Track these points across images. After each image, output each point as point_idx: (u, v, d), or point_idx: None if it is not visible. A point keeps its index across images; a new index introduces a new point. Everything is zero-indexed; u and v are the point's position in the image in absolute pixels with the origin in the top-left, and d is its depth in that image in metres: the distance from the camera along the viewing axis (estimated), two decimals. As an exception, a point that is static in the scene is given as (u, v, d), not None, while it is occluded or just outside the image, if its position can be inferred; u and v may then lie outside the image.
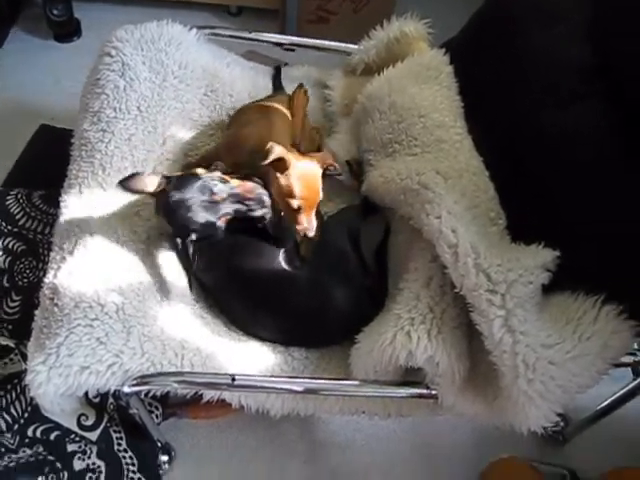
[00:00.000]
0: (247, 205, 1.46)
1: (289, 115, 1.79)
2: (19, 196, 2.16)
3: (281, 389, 1.52)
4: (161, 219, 1.51)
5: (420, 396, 1.50)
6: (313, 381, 1.53)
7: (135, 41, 1.91)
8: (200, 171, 1.47)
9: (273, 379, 1.53)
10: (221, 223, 1.45)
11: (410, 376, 1.49)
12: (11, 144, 2.46)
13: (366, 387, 1.51)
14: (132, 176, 1.47)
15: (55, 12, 2.77)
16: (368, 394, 1.55)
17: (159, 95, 1.88)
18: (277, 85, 2.06)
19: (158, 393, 1.51)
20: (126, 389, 1.42)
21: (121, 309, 1.49)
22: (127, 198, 1.69)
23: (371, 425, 2.06)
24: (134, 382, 1.42)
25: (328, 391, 1.54)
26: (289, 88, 2.00)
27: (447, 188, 1.50)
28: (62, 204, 1.67)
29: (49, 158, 1.78)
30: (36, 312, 1.52)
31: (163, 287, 1.60)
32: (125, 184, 1.45)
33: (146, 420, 1.69)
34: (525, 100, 1.59)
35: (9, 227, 2.08)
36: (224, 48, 2.11)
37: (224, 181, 1.45)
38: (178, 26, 1.98)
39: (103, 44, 1.93)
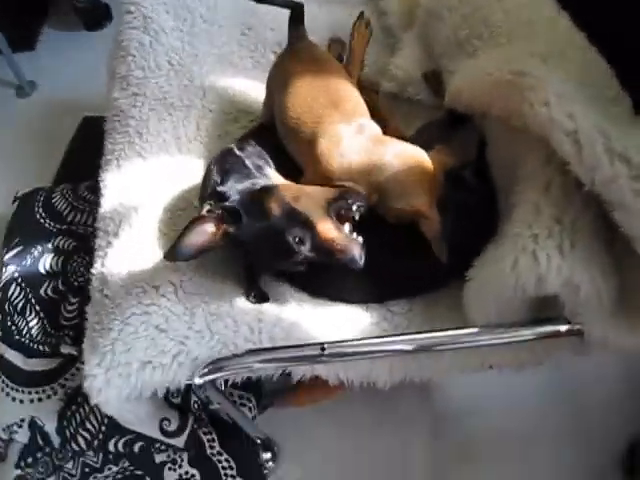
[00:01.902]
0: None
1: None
2: (65, 192, 2.00)
3: (384, 351, 1.22)
4: None
5: (559, 335, 1.18)
6: (421, 336, 1.22)
7: None
8: (275, 210, 1.19)
9: (372, 341, 1.23)
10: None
11: (544, 311, 1.18)
12: (59, 142, 2.38)
13: (489, 333, 1.20)
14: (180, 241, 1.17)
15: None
16: (491, 342, 1.22)
17: (190, 44, 1.69)
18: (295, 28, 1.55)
19: (238, 379, 1.25)
20: (197, 380, 1.19)
21: (180, 288, 1.28)
22: (172, 162, 1.46)
23: (501, 385, 1.75)
24: (205, 370, 1.19)
25: (442, 345, 1.22)
26: (341, 10, 1.72)
27: (548, 69, 1.18)
28: (101, 184, 1.50)
29: (95, 149, 1.61)
30: (87, 308, 1.33)
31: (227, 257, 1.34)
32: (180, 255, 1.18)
33: (235, 415, 1.45)
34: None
35: (57, 226, 1.91)
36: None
37: (306, 226, 1.17)
38: (200, -37, 1.73)
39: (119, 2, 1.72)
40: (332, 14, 1.79)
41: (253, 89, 1.64)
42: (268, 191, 1.22)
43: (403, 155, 1.27)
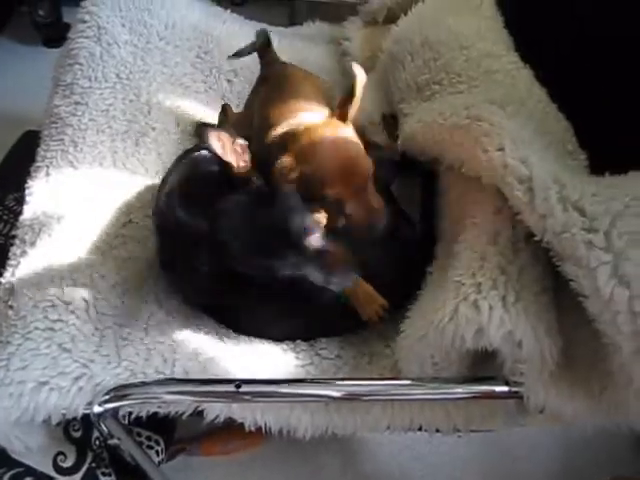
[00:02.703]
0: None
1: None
2: (-9, 201, 1.85)
3: (304, 395, 1.12)
4: None
5: (497, 396, 1.10)
6: (348, 382, 1.13)
7: (112, 2, 1.69)
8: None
9: (292, 384, 1.13)
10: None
11: (480, 370, 1.10)
12: None
13: (421, 387, 1.11)
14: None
15: (41, 13, 2.62)
16: (425, 396, 1.13)
17: (142, 59, 1.62)
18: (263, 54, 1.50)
19: (143, 413, 1.13)
20: (97, 408, 1.07)
21: (92, 306, 1.18)
22: (103, 175, 1.37)
23: (431, 452, 1.69)
24: (106, 397, 1.06)
25: (370, 396, 1.13)
26: (303, 47, 1.68)
27: (507, 116, 1.14)
28: (27, 192, 1.39)
29: (32, 162, 1.48)
30: (-11, 322, 1.19)
31: (147, 281, 1.25)
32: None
33: (138, 456, 1.31)
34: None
35: (-23, 234, 1.76)
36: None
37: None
38: (162, -19, 1.68)
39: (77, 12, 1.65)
40: (291, 50, 1.75)
41: (201, 112, 1.59)
42: None
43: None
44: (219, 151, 1.08)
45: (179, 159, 1.26)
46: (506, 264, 1.03)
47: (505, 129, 1.10)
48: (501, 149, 1.06)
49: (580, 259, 0.93)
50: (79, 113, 1.47)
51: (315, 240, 1.10)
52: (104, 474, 1.41)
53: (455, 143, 1.20)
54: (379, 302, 1.22)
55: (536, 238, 1.00)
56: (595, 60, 1.25)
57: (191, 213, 1.11)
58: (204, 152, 1.19)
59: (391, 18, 1.70)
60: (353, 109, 1.18)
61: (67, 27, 2.62)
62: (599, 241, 0.92)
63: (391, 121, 1.50)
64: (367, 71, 1.62)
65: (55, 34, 2.67)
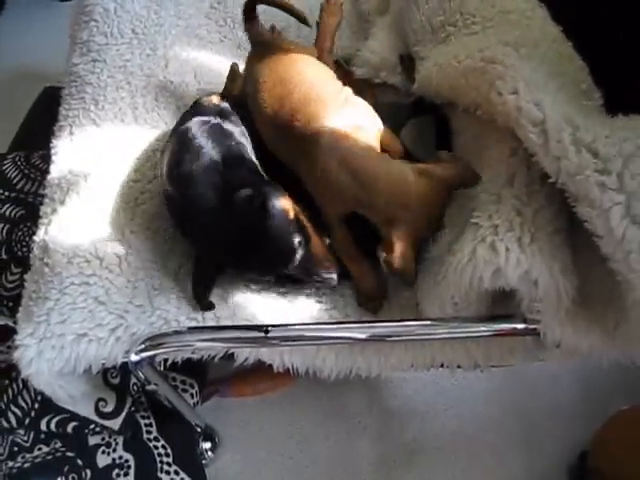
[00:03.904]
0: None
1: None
2: (17, 159, 1.92)
3: (330, 337, 1.17)
4: None
5: (515, 333, 1.14)
6: (372, 324, 1.18)
7: None
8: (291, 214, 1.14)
9: (318, 326, 1.18)
10: None
11: (499, 308, 1.14)
12: (17, 110, 2.26)
13: (442, 327, 1.15)
14: None
15: None
16: (445, 336, 1.18)
17: (156, 13, 1.63)
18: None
19: (178, 359, 1.19)
20: (134, 357, 1.13)
21: (125, 260, 1.23)
22: (126, 131, 1.40)
23: (453, 386, 1.74)
24: (142, 346, 1.12)
25: (393, 337, 1.18)
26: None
27: (520, 57, 1.14)
28: (52, 151, 1.42)
29: (54, 119, 1.51)
30: (26, 277, 1.25)
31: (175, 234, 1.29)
32: None
33: (174, 400, 1.38)
34: None
35: (6, 193, 1.83)
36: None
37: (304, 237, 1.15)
38: None
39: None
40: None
41: (217, 63, 1.58)
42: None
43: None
44: None
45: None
46: (521, 206, 1.05)
47: (519, 71, 1.09)
48: (515, 92, 1.07)
49: (593, 200, 0.95)
50: (97, 70, 1.49)
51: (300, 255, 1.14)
52: (143, 417, 1.49)
53: (470, 86, 1.19)
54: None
55: (551, 180, 1.02)
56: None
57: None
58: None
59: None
60: None
61: (80, -20, 2.63)
62: (612, 182, 0.94)
63: (409, 63, 1.49)
64: (382, 13, 1.64)
65: (68, -13, 2.65)
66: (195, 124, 1.24)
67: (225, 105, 1.32)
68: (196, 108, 1.31)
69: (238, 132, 1.28)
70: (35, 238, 1.29)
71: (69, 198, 1.30)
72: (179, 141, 1.23)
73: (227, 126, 1.27)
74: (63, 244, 1.23)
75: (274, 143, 1.27)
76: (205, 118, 1.26)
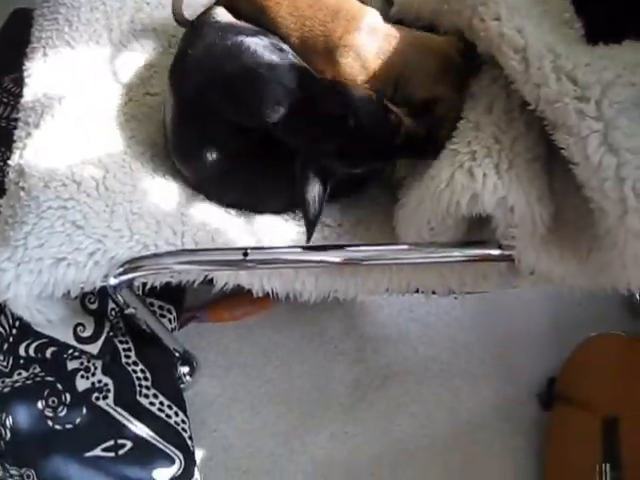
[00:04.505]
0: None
1: None
2: (-12, 84, 1.86)
3: (308, 261, 1.18)
4: None
5: (489, 258, 1.16)
6: (349, 249, 1.19)
7: None
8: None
9: (297, 250, 1.19)
10: None
11: (475, 235, 1.15)
12: None
13: (418, 251, 1.17)
14: None
15: None
16: (420, 260, 1.19)
17: None
18: None
19: (157, 283, 1.20)
20: (112, 280, 1.13)
21: (102, 184, 1.21)
22: (100, 53, 1.37)
23: (428, 313, 1.77)
24: (121, 269, 1.12)
25: (370, 260, 1.19)
26: None
27: (504, -18, 1.12)
28: (25, 74, 1.39)
29: (24, 42, 1.46)
30: (1, 202, 1.25)
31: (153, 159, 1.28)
32: None
33: (153, 324, 1.40)
34: None
35: (-22, 118, 1.77)
36: None
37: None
38: None
39: None
40: None
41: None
42: None
43: (418, 43, 1.23)
44: None
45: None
46: (500, 133, 1.06)
47: (502, -4, 1.09)
48: (497, 19, 1.06)
49: (571, 127, 0.96)
50: (71, -10, 1.44)
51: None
52: (121, 342, 1.50)
53: (452, 10, 1.19)
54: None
55: (530, 107, 1.02)
56: None
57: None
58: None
59: None
60: None
61: None
62: (590, 110, 0.94)
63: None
64: None
65: None
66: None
67: None
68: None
69: None
70: (10, 162, 1.27)
71: (44, 121, 1.28)
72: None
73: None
74: (39, 168, 1.21)
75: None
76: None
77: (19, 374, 1.49)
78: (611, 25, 1.13)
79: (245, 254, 1.09)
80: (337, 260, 1.17)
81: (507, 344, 1.78)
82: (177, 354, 1.58)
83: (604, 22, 1.15)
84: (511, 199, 1.02)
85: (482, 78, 1.16)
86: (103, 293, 1.18)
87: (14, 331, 1.49)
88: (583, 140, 0.95)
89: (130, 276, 1.13)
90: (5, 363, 1.49)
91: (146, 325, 1.40)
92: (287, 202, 1.28)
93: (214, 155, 1.20)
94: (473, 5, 1.12)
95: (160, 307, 1.55)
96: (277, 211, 1.29)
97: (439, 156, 1.12)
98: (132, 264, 1.12)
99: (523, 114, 1.07)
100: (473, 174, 1.02)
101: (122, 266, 1.12)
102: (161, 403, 1.51)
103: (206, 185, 1.27)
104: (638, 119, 0.96)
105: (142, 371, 1.51)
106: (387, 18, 1.34)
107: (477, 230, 1.14)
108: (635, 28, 1.05)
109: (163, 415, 1.51)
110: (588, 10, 1.18)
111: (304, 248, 1.19)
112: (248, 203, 1.28)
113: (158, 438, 1.48)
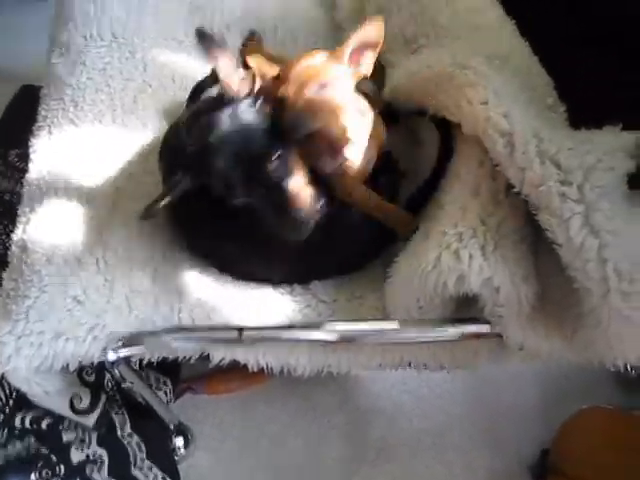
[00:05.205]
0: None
1: None
2: (-6, 157, 1.91)
3: (302, 339, 1.22)
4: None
5: (478, 335, 1.19)
6: (343, 326, 1.22)
7: None
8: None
9: (291, 329, 1.22)
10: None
11: (464, 312, 1.18)
12: None
13: (409, 329, 1.20)
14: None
15: None
16: (412, 338, 1.23)
17: (135, 16, 1.64)
18: None
19: (154, 358, 1.22)
20: (110, 355, 1.16)
21: (102, 260, 1.25)
22: (104, 132, 1.42)
23: (420, 386, 1.79)
24: (119, 344, 1.14)
25: (363, 338, 1.22)
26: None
27: (492, 69, 1.19)
28: (31, 150, 1.44)
29: (31, 118, 1.54)
30: (4, 275, 1.28)
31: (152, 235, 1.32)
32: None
33: (149, 397, 1.42)
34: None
35: (-19, 190, 1.82)
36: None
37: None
38: None
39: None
40: (281, 1, 1.79)
41: (195, 67, 1.60)
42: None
43: None
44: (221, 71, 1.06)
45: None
46: (486, 216, 1.10)
47: (490, 82, 1.14)
48: (485, 102, 1.11)
49: (554, 210, 1.00)
50: (77, 72, 1.51)
51: (279, 169, 1.07)
52: (117, 414, 1.52)
53: (440, 91, 1.23)
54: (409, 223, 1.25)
55: (515, 190, 1.07)
56: (576, 14, 1.30)
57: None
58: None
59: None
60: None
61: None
62: (572, 193, 0.99)
63: (379, 70, 1.53)
64: (355, 23, 1.67)
65: (45, -15, 2.66)
66: None
67: None
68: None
69: None
70: (13, 237, 1.31)
71: (47, 198, 1.33)
72: None
73: None
74: (42, 243, 1.25)
75: None
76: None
77: (14, 446, 1.49)
78: (592, 110, 1.19)
79: (241, 332, 1.12)
80: (331, 338, 1.20)
81: (498, 417, 1.79)
82: (172, 426, 1.59)
83: (586, 107, 1.21)
84: (497, 280, 1.05)
85: (469, 161, 1.20)
86: (101, 365, 1.20)
87: (10, 402, 1.50)
88: (566, 222, 0.99)
89: (128, 352, 1.15)
90: (0, 435, 1.49)
91: (142, 398, 1.42)
92: (280, 273, 1.31)
93: (206, 223, 1.24)
94: (461, 85, 1.17)
95: (156, 379, 1.57)
96: (272, 281, 1.30)
97: (427, 236, 1.15)
98: (130, 340, 1.15)
99: (508, 196, 1.11)
100: (459, 256, 1.06)
101: (120, 342, 1.14)
102: (155, 476, 1.51)
103: (203, 250, 1.31)
104: (618, 202, 1.00)
105: (137, 444, 1.52)
106: (379, 100, 1.40)
107: (465, 308, 1.17)
108: (615, 114, 1.10)
109: (157, 487, 1.51)
110: (571, 96, 1.24)
111: (298, 327, 1.22)
112: (245, 273, 1.30)
113: (152, 510, 1.48)
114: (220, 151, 1.06)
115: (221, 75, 1.07)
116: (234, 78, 1.07)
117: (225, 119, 1.07)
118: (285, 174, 1.08)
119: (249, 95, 1.09)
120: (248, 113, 1.08)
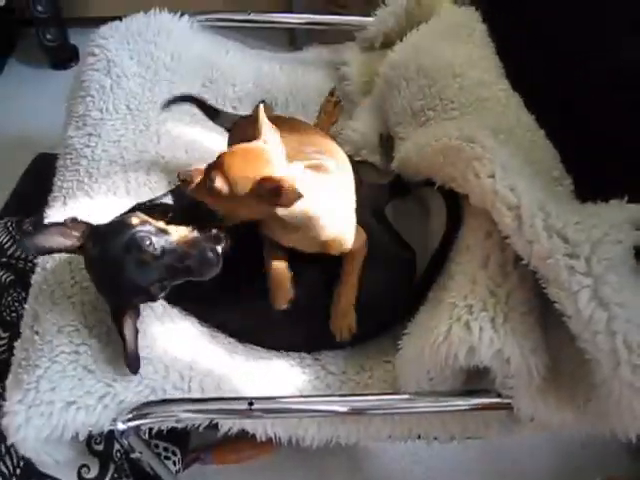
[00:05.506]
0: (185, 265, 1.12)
1: None
2: (8, 224, 1.97)
3: (313, 410, 1.21)
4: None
5: (489, 407, 1.19)
6: (352, 398, 1.22)
7: (120, 35, 1.74)
8: (135, 221, 1.15)
9: (301, 399, 1.22)
10: (155, 290, 1.14)
11: (474, 383, 1.19)
12: (9, 175, 2.32)
13: (419, 401, 1.20)
14: (41, 230, 1.19)
15: (48, 37, 2.70)
16: (422, 409, 1.22)
17: (150, 90, 1.68)
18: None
19: (163, 428, 1.21)
20: (120, 425, 1.15)
21: (113, 329, 1.23)
22: (117, 204, 1.44)
23: (431, 455, 1.76)
24: (129, 416, 1.15)
25: (373, 410, 1.22)
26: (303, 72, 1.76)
27: (497, 142, 1.22)
28: (45, 220, 1.45)
29: (46, 186, 1.57)
30: (16, 344, 1.29)
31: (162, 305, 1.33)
32: (31, 244, 1.17)
33: (157, 467, 1.40)
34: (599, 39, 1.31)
35: (-3, 258, 1.85)
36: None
37: (161, 232, 1.15)
38: (167, 14, 1.79)
39: (86, 44, 1.73)
40: (292, 75, 1.84)
41: (208, 140, 1.65)
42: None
43: None
44: None
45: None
46: (495, 287, 1.11)
47: (497, 155, 1.17)
48: (492, 176, 1.14)
49: (563, 283, 1.01)
50: (92, 144, 1.54)
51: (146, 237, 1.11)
52: (125, 484, 1.50)
53: (447, 163, 1.27)
54: (349, 321, 1.26)
55: (523, 262, 1.08)
56: (582, 89, 1.33)
57: None
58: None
59: (387, 43, 1.77)
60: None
61: (74, 49, 2.73)
62: (580, 266, 1.00)
63: (388, 141, 1.57)
64: (365, 94, 1.73)
65: (63, 56, 2.77)
66: None
67: None
68: None
69: None
70: (26, 306, 1.32)
71: (60, 267, 1.34)
72: None
73: None
74: (53, 312, 1.26)
75: None
76: None
77: (19, 515, 1.48)
78: (598, 184, 1.21)
79: (250, 404, 1.12)
80: (341, 410, 1.20)
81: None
82: (180, 497, 1.57)
83: (592, 181, 1.23)
84: (507, 351, 1.05)
85: (477, 233, 1.22)
86: (110, 434, 1.19)
87: (18, 471, 1.50)
88: (574, 295, 1.00)
89: (138, 422, 1.15)
90: (7, 505, 1.48)
91: (150, 468, 1.40)
92: (288, 340, 1.33)
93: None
94: (468, 158, 1.20)
95: (165, 449, 1.56)
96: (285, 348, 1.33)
97: (438, 307, 1.16)
98: (140, 411, 1.15)
99: (517, 268, 1.12)
100: (470, 327, 1.07)
101: (130, 413, 1.14)
102: None
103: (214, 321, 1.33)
104: (626, 274, 1.02)
105: (144, 514, 1.50)
106: (387, 172, 1.44)
107: (476, 379, 1.17)
108: (620, 188, 1.12)
109: None
110: (576, 169, 1.26)
111: (308, 397, 1.22)
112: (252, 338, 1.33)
113: None
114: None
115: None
116: None
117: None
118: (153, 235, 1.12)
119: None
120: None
